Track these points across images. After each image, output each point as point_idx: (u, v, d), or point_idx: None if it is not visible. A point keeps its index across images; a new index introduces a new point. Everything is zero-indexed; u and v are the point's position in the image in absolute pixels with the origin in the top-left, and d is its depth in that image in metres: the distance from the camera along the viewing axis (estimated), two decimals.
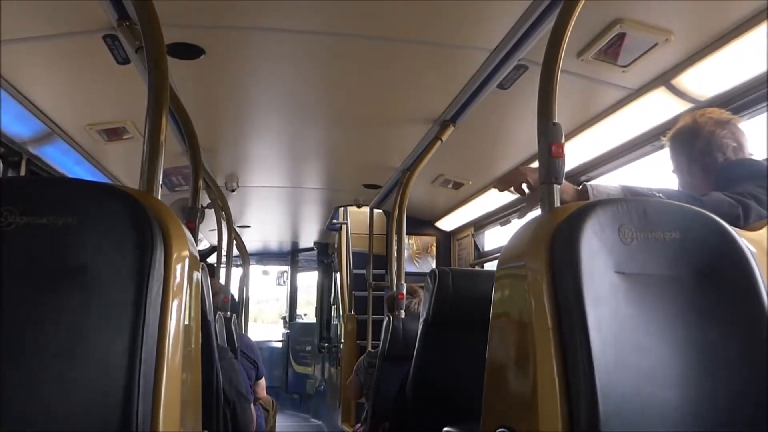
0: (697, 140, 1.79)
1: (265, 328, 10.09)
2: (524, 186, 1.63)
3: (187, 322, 1.17)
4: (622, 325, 1.08)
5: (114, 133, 3.09)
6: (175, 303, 1.10)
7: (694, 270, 1.16)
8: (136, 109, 2.81)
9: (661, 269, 1.15)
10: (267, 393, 4.56)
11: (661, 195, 1.46)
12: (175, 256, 1.11)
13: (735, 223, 1.34)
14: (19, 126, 2.80)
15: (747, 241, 1.20)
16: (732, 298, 1.15)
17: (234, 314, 4.00)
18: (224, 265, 4.28)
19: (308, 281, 9.27)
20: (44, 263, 1.05)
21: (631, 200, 1.23)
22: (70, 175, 3.37)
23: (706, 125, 1.78)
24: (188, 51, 2.31)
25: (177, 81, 2.51)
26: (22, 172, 2.95)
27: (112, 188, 1.13)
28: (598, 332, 1.05)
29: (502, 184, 1.68)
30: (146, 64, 1.44)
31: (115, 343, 1.02)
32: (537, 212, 1.33)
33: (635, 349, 1.08)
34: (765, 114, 2.15)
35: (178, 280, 1.12)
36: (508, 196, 3.87)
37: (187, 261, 1.15)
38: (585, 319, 1.05)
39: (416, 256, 5.52)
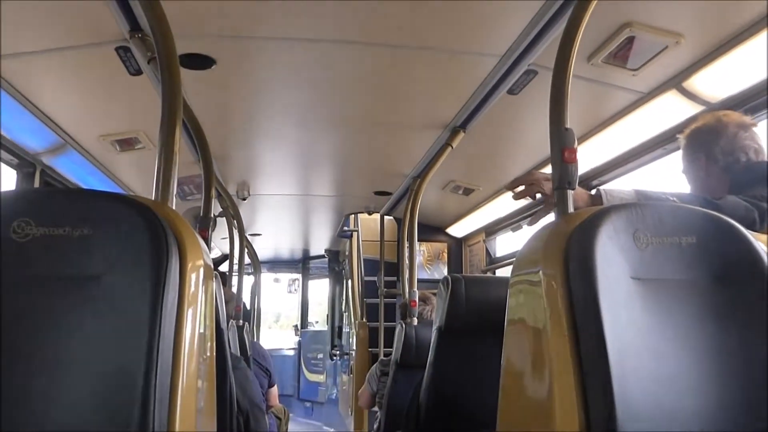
0: (720, 139, 1.78)
1: None
2: (538, 195, 1.62)
3: (202, 331, 1.17)
4: (638, 331, 1.07)
5: (126, 144, 3.11)
6: (190, 312, 1.11)
7: (711, 274, 1.15)
8: (148, 120, 2.83)
9: (677, 274, 1.14)
10: (279, 401, 4.57)
11: (675, 199, 1.45)
12: (190, 265, 1.12)
13: (751, 227, 1.34)
14: (33, 138, 2.82)
15: (763, 244, 1.20)
16: (749, 302, 1.14)
17: (246, 322, 4.02)
18: (236, 274, 4.29)
19: (319, 289, 9.29)
20: (61, 273, 1.06)
21: (646, 205, 1.22)
22: (83, 186, 3.39)
23: (730, 125, 1.78)
24: (200, 61, 2.33)
25: (189, 91, 2.53)
26: (37, 184, 2.98)
27: (128, 199, 1.14)
28: (615, 338, 1.04)
29: (517, 190, 1.65)
30: (159, 74, 1.45)
31: (132, 352, 1.02)
32: (549, 218, 1.32)
33: (652, 355, 1.07)
34: None
35: (193, 289, 1.12)
36: (519, 202, 3.86)
37: (201, 270, 1.16)
38: (601, 325, 1.04)
39: (427, 263, 5.51)
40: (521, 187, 1.62)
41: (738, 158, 1.76)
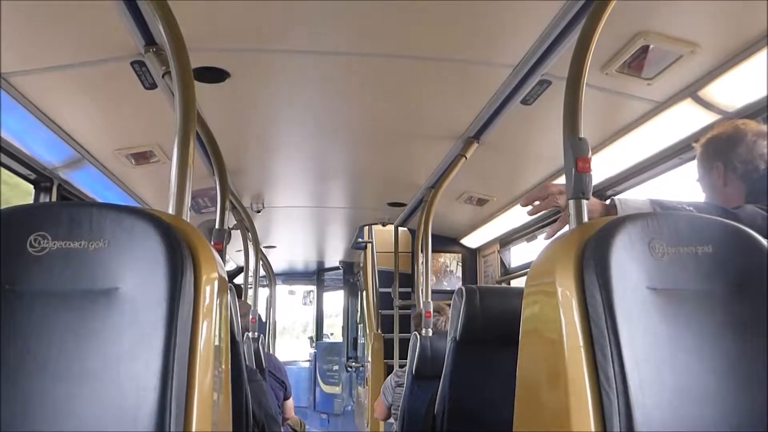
0: (739, 147, 1.77)
1: None
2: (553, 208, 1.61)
3: (217, 344, 1.17)
4: (655, 342, 1.06)
5: (142, 157, 3.13)
6: (205, 324, 1.11)
7: (728, 284, 1.14)
8: (163, 133, 2.86)
9: (693, 284, 1.13)
10: (295, 413, 4.56)
11: (691, 208, 1.44)
12: (204, 278, 1.12)
13: None
14: (49, 152, 2.85)
15: None
16: (766, 311, 1.13)
17: (261, 334, 4.02)
18: (251, 286, 4.30)
19: (335, 300, 9.28)
20: (76, 287, 1.07)
21: (662, 214, 1.21)
22: (100, 200, 3.42)
23: (749, 133, 1.77)
24: (214, 74, 2.35)
25: (203, 104, 2.55)
26: (54, 198, 3.00)
27: (143, 212, 1.14)
28: (631, 349, 1.03)
29: (533, 205, 1.64)
30: (173, 88, 1.46)
31: (147, 364, 1.03)
32: (565, 230, 1.31)
33: (669, 366, 1.06)
34: None
35: (207, 301, 1.12)
36: None
37: (216, 283, 1.16)
38: (617, 335, 1.03)
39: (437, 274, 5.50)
40: (537, 203, 1.61)
41: (757, 166, 1.74)
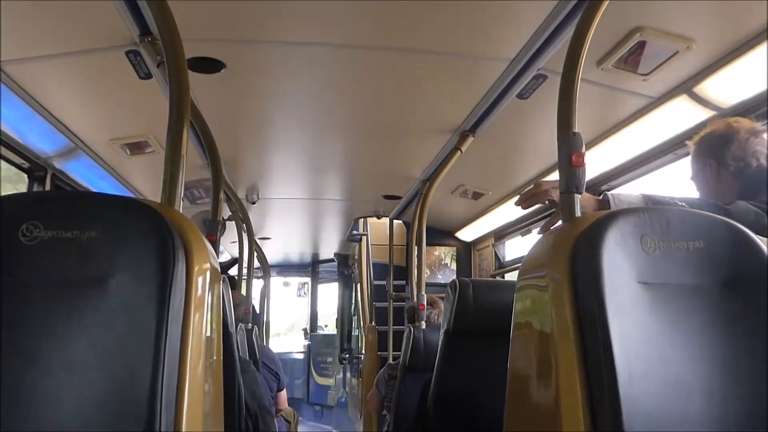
0: (731, 144, 1.78)
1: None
2: (547, 203, 1.61)
3: (208, 334, 1.18)
4: (645, 336, 1.07)
5: (136, 147, 3.13)
6: (197, 315, 1.11)
7: (719, 279, 1.14)
8: (158, 123, 2.83)
9: (684, 279, 1.13)
10: (288, 404, 4.57)
11: (683, 204, 1.45)
12: (196, 268, 1.12)
13: (761, 233, 1.32)
14: (44, 141, 2.84)
15: None
16: (757, 307, 1.13)
17: (255, 326, 4.02)
18: (245, 277, 4.30)
19: (329, 292, 9.29)
20: (68, 276, 1.07)
21: (654, 209, 1.21)
22: (94, 190, 3.41)
23: (742, 131, 1.77)
24: (209, 65, 2.34)
25: (198, 95, 2.54)
26: (48, 187, 2.99)
27: (135, 202, 1.14)
28: (621, 343, 1.04)
29: (525, 202, 1.65)
30: (167, 78, 1.46)
31: (138, 355, 1.03)
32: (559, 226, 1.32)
33: (659, 360, 1.07)
34: None
35: (199, 292, 1.12)
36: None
37: (208, 273, 1.16)
38: (608, 329, 1.04)
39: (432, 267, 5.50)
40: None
41: (749, 164, 1.75)
